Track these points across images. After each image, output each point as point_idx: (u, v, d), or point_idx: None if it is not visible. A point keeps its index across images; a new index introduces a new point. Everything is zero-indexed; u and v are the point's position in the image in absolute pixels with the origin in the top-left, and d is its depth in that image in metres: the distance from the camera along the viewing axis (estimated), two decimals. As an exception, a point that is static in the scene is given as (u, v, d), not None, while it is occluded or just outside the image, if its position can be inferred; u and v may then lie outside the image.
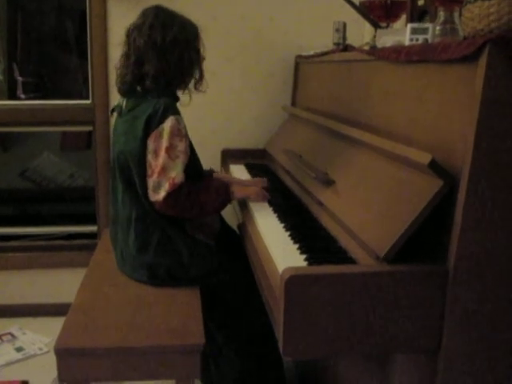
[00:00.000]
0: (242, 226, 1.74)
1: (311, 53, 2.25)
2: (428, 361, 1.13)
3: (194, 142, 1.74)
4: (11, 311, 2.64)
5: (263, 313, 1.35)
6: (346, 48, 1.88)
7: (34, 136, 3.45)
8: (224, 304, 1.77)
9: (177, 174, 1.59)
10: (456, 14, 1.38)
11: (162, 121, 1.58)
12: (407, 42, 1.40)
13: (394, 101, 1.38)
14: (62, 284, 2.63)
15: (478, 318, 1.08)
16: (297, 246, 1.35)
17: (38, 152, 3.49)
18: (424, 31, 1.38)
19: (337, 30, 2.09)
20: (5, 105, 2.64)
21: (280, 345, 1.07)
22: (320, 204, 1.54)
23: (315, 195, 1.58)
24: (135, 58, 1.64)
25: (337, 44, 2.08)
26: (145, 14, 1.66)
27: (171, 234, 1.68)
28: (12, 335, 2.48)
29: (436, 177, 1.07)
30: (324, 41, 2.30)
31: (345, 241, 1.32)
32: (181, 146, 1.60)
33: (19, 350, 2.37)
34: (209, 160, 2.05)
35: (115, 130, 1.77)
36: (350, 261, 1.22)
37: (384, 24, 1.92)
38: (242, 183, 1.91)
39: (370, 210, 1.25)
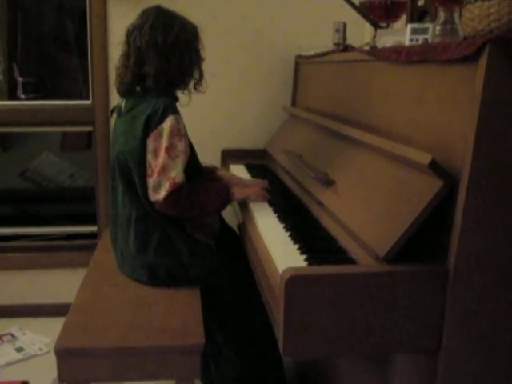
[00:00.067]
0: (242, 226, 1.74)
1: (311, 53, 2.25)
2: (428, 361, 1.13)
3: (194, 143, 1.74)
4: (11, 311, 2.63)
5: (263, 313, 1.35)
6: (346, 48, 1.88)
7: (34, 136, 3.45)
8: (224, 304, 1.77)
9: (177, 173, 1.59)
10: (456, 15, 1.38)
11: (161, 120, 1.58)
12: (407, 43, 1.40)
13: (394, 101, 1.38)
14: (61, 284, 2.63)
15: (478, 318, 1.08)
16: (297, 246, 1.35)
17: (37, 152, 3.49)
18: (424, 31, 1.38)
19: (337, 30, 2.08)
20: (5, 105, 2.64)
21: (280, 345, 1.07)
22: (320, 204, 1.54)
23: (315, 195, 1.58)
24: (135, 58, 1.64)
25: (337, 44, 2.08)
26: (145, 14, 1.66)
27: (171, 234, 1.68)
28: (12, 335, 2.48)
29: (436, 177, 1.07)
30: (324, 41, 2.30)
31: (345, 241, 1.32)
32: (180, 146, 1.60)
33: (19, 350, 2.37)
34: (209, 160, 2.05)
35: (115, 131, 1.77)
36: (350, 261, 1.22)
37: (384, 24, 1.92)
38: (242, 183, 1.91)
39: (370, 210, 1.25)
